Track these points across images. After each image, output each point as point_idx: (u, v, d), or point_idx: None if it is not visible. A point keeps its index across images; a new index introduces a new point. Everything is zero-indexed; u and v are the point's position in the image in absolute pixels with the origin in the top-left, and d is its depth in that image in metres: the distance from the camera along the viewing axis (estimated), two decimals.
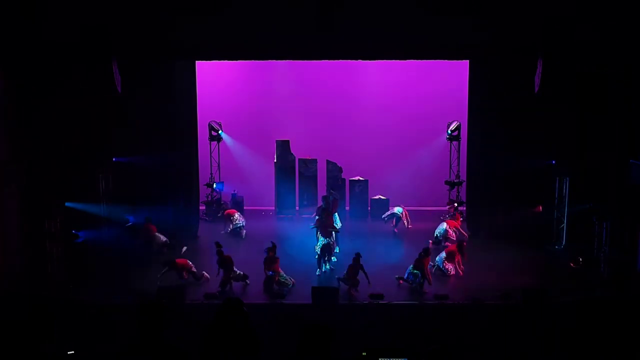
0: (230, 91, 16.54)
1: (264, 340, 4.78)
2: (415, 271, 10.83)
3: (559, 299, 9.92)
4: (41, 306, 4.15)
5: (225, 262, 10.86)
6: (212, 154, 15.93)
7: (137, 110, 13.05)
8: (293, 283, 10.97)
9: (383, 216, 14.50)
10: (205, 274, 11.23)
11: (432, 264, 11.44)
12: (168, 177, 13.55)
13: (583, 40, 11.50)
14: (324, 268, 11.75)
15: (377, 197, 15.69)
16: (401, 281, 10.97)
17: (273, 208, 15.76)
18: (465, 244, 11.96)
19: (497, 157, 13.35)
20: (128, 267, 11.62)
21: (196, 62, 14.03)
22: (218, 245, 11.13)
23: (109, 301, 9.79)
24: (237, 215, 14.27)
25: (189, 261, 11.21)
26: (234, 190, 16.09)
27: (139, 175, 13.14)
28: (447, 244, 12.66)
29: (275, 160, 15.89)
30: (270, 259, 10.97)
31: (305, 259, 12.03)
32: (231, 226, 14.10)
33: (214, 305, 8.81)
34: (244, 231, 13.99)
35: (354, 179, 15.86)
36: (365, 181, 15.81)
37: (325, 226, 11.73)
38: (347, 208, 15.62)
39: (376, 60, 14.27)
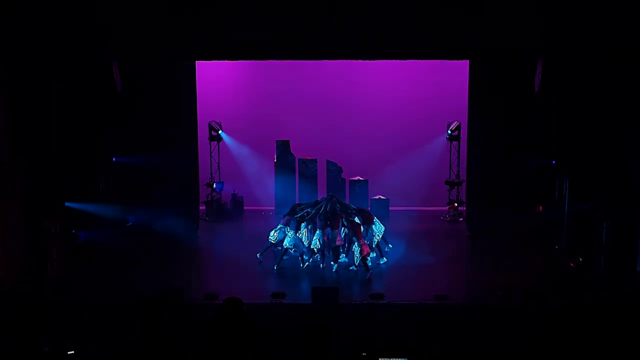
0: (230, 91, 16.54)
1: (263, 340, 4.78)
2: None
3: (559, 300, 9.92)
4: (36, 306, 4.14)
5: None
6: (212, 154, 15.93)
7: (137, 110, 13.05)
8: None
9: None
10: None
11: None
12: (168, 177, 13.54)
13: (583, 40, 11.52)
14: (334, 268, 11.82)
15: (377, 197, 15.68)
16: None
17: (273, 208, 15.75)
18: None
19: (497, 157, 13.35)
20: (129, 267, 11.63)
21: (196, 62, 14.03)
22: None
23: (109, 301, 9.78)
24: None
25: None
26: (234, 190, 16.10)
27: (139, 176, 13.13)
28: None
29: (275, 160, 15.89)
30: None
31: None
32: None
33: (214, 305, 8.83)
34: None
35: (354, 179, 15.86)
36: (365, 181, 15.81)
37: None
38: None
39: (376, 60, 14.29)
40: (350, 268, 11.71)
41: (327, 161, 15.82)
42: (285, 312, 9.59)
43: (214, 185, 15.80)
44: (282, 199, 15.38)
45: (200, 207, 15.29)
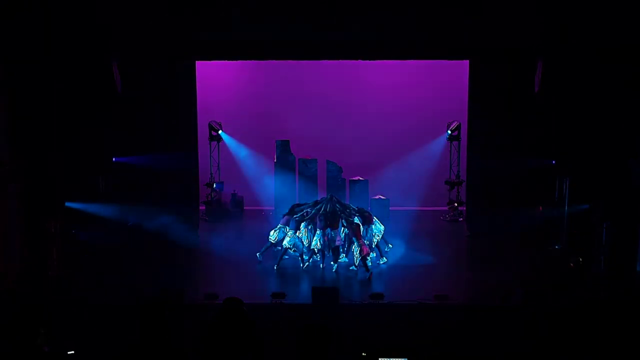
0: (230, 91, 16.54)
1: (263, 340, 4.78)
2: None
3: (559, 300, 9.92)
4: (36, 306, 4.14)
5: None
6: (212, 154, 15.93)
7: (137, 110, 13.06)
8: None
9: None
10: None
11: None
12: (168, 177, 13.54)
13: (583, 40, 11.52)
14: (334, 268, 11.82)
15: (377, 197, 15.68)
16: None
17: (273, 208, 15.75)
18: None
19: (497, 157, 13.34)
20: (129, 267, 11.63)
21: (196, 62, 14.03)
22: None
23: (109, 301, 9.79)
24: None
25: None
26: (234, 190, 16.10)
27: (139, 175, 13.14)
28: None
29: (275, 160, 15.90)
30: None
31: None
32: None
33: (214, 305, 8.83)
34: None
35: (354, 179, 15.85)
36: (365, 181, 15.80)
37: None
38: None
39: (376, 60, 14.29)
40: (350, 268, 11.71)
41: (327, 161, 15.81)
42: (285, 312, 9.59)
43: (214, 185, 15.81)
44: (282, 199, 15.38)
45: (200, 207, 15.29)
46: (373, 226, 12.12)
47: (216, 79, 16.06)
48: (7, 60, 11.38)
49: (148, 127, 13.24)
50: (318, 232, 11.77)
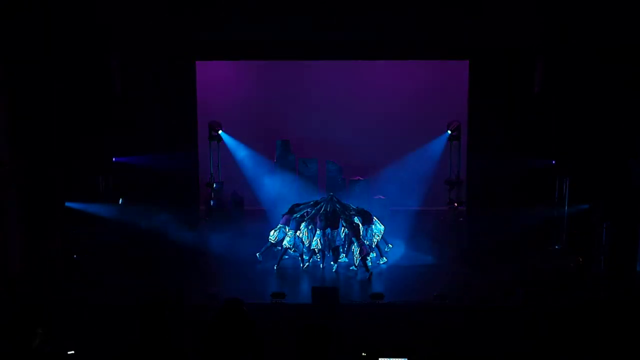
0: (230, 91, 16.51)
1: (263, 340, 4.78)
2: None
3: (559, 300, 9.92)
4: (36, 306, 4.14)
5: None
6: (212, 154, 15.92)
7: (137, 110, 13.07)
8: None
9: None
10: None
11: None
12: (168, 177, 13.54)
13: (583, 40, 11.53)
14: (333, 268, 11.81)
15: (377, 197, 15.66)
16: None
17: (272, 208, 15.72)
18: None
19: (497, 157, 13.35)
20: (129, 267, 11.63)
21: (196, 62, 14.03)
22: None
23: (109, 301, 9.78)
24: None
25: None
26: (234, 190, 16.09)
27: (139, 175, 13.14)
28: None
29: (275, 160, 15.89)
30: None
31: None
32: None
33: (214, 306, 8.83)
34: None
35: (354, 179, 15.84)
36: (366, 181, 15.79)
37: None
38: None
39: (376, 60, 14.29)
40: (350, 268, 11.72)
41: (327, 161, 15.81)
42: (285, 312, 9.59)
43: (214, 185, 15.80)
44: (282, 199, 15.36)
45: (200, 207, 15.28)
46: (373, 226, 12.11)
47: (216, 79, 16.04)
48: (7, 60, 11.37)
49: (148, 127, 13.25)
50: (318, 232, 11.77)
